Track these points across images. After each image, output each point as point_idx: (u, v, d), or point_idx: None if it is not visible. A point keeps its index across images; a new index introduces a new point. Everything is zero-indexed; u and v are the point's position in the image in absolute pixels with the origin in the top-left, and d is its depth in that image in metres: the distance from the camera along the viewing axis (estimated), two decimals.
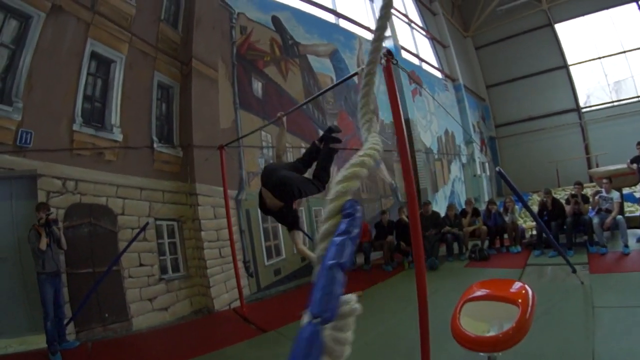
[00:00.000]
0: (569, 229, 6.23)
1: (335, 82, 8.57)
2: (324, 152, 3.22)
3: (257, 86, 6.87)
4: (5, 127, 4.41)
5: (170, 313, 5.36)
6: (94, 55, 5.12)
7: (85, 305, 4.67)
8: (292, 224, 2.96)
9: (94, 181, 5.01)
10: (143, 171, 5.40)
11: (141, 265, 5.25)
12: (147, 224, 5.10)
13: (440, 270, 6.53)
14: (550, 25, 16.65)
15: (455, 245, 7.14)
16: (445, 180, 12.54)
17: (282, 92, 7.30)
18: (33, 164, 4.61)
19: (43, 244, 4.15)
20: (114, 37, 5.28)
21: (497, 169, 4.46)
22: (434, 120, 12.60)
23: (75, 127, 4.95)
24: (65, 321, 4.47)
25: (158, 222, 5.47)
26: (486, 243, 7.19)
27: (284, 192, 2.78)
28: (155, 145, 5.52)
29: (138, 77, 5.48)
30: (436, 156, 12.26)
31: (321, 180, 3.08)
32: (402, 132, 2.99)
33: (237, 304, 5.61)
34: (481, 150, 16.11)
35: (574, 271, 4.82)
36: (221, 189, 5.50)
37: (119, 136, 5.27)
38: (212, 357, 4.00)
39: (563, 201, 6.79)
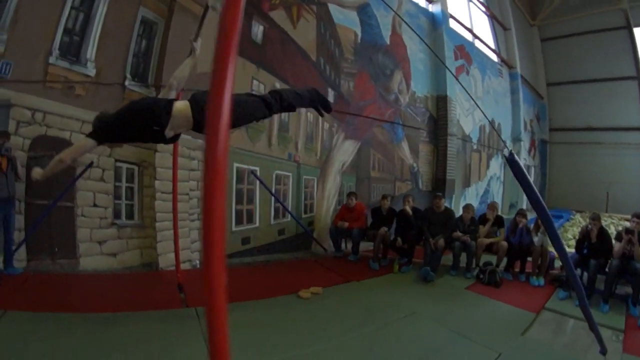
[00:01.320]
0: (611, 274, 4.52)
1: (360, 38, 7.34)
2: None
3: (257, 30, 6.10)
4: None
5: (118, 260, 5.14)
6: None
7: (38, 237, 4.76)
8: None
9: (61, 115, 4.95)
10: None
11: (95, 205, 5.11)
12: (92, 163, 4.91)
13: (435, 285, 5.18)
14: (627, 28, 13.95)
15: (464, 257, 5.65)
16: (480, 176, 10.80)
17: (287, 40, 6.47)
18: (8, 93, 4.74)
19: None
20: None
21: (505, 152, 3.05)
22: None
23: (51, 60, 4.91)
24: (14, 247, 4.55)
25: (118, 164, 5.23)
26: (503, 263, 5.60)
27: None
28: (127, 82, 5.26)
29: (121, 12, 5.23)
30: (474, 146, 10.46)
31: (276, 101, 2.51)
32: None
33: (185, 266, 5.16)
34: (529, 152, 14.10)
35: (603, 352, 3.21)
36: (187, 136, 4.90)
37: (92, 71, 5.12)
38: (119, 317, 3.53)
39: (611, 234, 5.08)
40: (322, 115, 2.88)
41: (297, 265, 5.83)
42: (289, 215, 6.47)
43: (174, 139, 2.49)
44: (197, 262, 5.46)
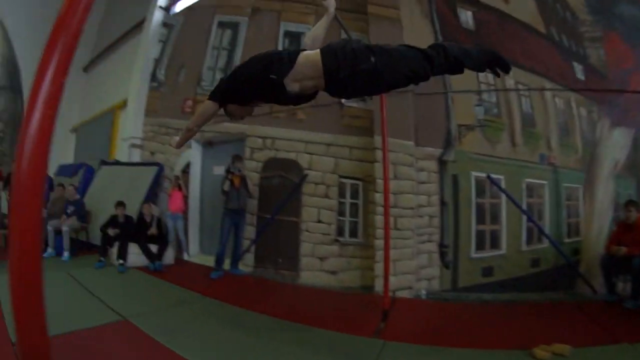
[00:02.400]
0: None
1: None
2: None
3: (467, 16, 5.20)
4: None
5: (337, 279, 4.98)
6: (286, 34, 5.88)
7: (265, 247, 5.45)
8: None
9: (287, 138, 5.57)
10: (331, 127, 5.36)
11: (319, 221, 5.24)
12: (305, 176, 5.03)
13: None
14: None
15: None
16: None
17: (503, 18, 5.15)
18: (242, 127, 5.80)
19: (226, 186, 5.24)
20: (301, 13, 5.79)
21: None
22: None
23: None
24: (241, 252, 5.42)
25: (342, 180, 5.22)
26: None
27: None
28: (343, 100, 5.28)
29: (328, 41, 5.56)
30: None
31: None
32: None
33: (404, 293, 4.47)
34: None
35: None
36: (408, 142, 4.73)
37: None
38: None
39: None
40: (498, 76, 1.99)
41: (548, 310, 4.10)
42: (546, 240, 4.74)
43: (304, 99, 1.97)
44: (423, 292, 4.65)
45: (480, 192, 4.84)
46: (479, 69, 1.96)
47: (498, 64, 1.92)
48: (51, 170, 8.62)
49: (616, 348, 3.02)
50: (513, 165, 4.96)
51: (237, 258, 5.45)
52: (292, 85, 1.83)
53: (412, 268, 4.65)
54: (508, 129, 5.04)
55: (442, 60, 1.82)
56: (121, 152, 8.29)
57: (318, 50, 1.85)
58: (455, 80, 4.87)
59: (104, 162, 8.33)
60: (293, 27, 5.91)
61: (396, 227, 4.59)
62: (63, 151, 10.45)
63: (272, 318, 3.56)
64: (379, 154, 4.67)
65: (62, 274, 4.71)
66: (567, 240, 4.88)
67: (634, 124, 5.07)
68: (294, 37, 5.91)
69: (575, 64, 5.14)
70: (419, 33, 5.08)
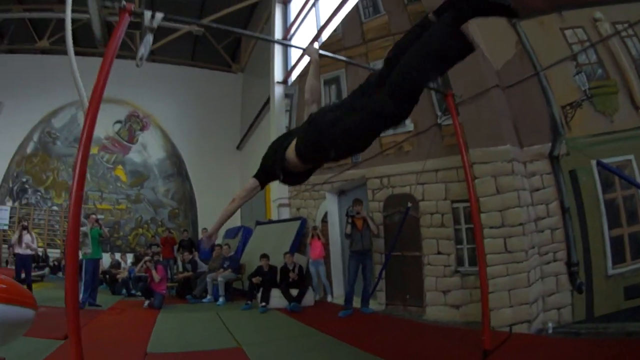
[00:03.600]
0: None
1: None
2: (432, 37, 1.78)
3: None
4: None
5: (460, 313, 4.51)
6: None
7: (394, 285, 5.44)
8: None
9: (399, 173, 5.61)
10: (435, 152, 5.14)
11: (439, 253, 4.96)
12: (409, 207, 4.93)
13: None
14: None
15: None
16: None
17: None
18: (362, 172, 6.18)
19: (348, 229, 5.60)
20: (383, 48, 6.03)
21: None
22: None
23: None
24: (370, 291, 5.50)
25: (455, 205, 4.88)
26: None
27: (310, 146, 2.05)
28: (438, 120, 5.11)
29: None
30: None
31: (396, 103, 1.79)
32: None
33: (523, 328, 3.74)
34: None
35: None
36: (504, 147, 4.13)
37: (410, 126, 5.49)
38: None
39: None
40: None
41: None
42: None
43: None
44: (550, 325, 3.78)
45: (608, 185, 3.68)
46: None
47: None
48: (221, 234, 10.51)
49: None
50: None
51: (367, 297, 5.55)
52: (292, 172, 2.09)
53: (530, 297, 3.84)
54: (623, 89, 3.74)
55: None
56: (273, 211, 9.65)
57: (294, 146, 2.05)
58: (542, 56, 4.11)
59: (258, 222, 9.78)
60: (380, 63, 6.12)
61: (507, 250, 3.96)
62: (232, 218, 12.62)
63: (364, 352, 3.53)
64: (478, 169, 4.24)
65: (212, 314, 5.81)
66: None
67: None
68: None
69: None
70: (489, 19, 4.55)
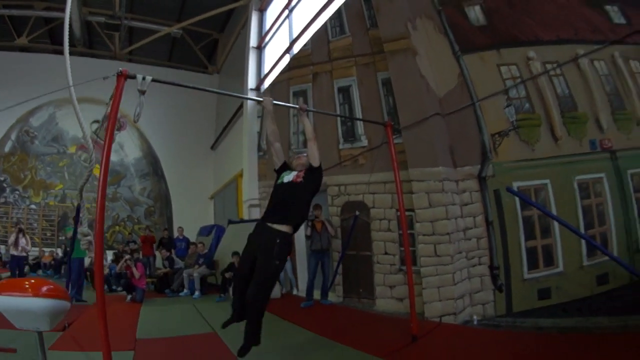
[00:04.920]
0: None
1: None
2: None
3: (475, 12, 4.97)
4: None
5: (404, 305, 5.33)
6: (339, 90, 6.78)
7: (350, 280, 6.26)
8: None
9: (354, 183, 6.36)
10: (384, 166, 5.85)
11: (386, 253, 5.77)
12: (357, 215, 5.83)
13: None
14: None
15: None
16: None
17: None
18: (323, 179, 6.73)
19: (308, 231, 6.29)
20: (345, 68, 6.65)
21: None
22: None
23: (340, 146, 6.61)
24: (329, 285, 6.28)
25: (399, 213, 5.68)
26: None
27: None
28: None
29: (368, 87, 6.31)
30: None
31: None
32: None
33: (450, 319, 4.56)
34: None
35: None
36: (437, 169, 4.92)
37: (364, 142, 6.29)
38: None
39: None
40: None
41: (621, 341, 3.35)
42: (615, 249, 3.91)
43: None
44: (475, 318, 4.64)
45: (525, 204, 4.40)
46: None
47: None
48: (195, 232, 11.10)
49: None
50: (558, 164, 4.29)
51: (326, 290, 6.29)
52: None
53: (455, 294, 4.65)
54: (546, 122, 4.36)
55: None
56: (245, 211, 10.31)
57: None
58: (479, 88, 4.84)
59: (230, 221, 10.38)
60: (342, 83, 6.82)
61: (436, 254, 4.78)
62: (205, 215, 13.21)
63: (314, 334, 4.36)
64: (415, 185, 5.06)
65: (189, 305, 6.57)
66: None
67: None
68: (345, 91, 6.79)
69: (609, 7, 3.96)
70: (436, 50, 5.25)
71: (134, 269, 6.94)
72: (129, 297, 7.04)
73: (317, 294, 6.35)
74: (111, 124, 2.57)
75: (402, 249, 5.50)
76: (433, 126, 5.07)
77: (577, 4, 4.20)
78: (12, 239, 6.62)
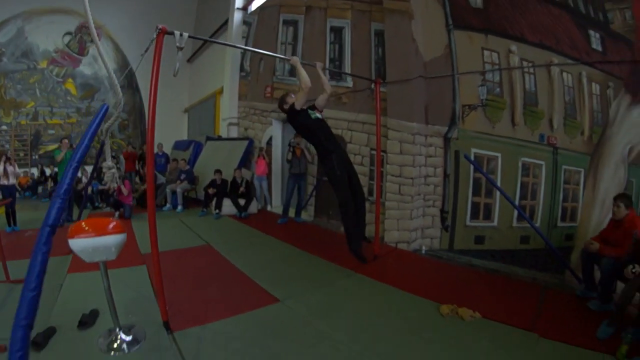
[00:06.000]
0: None
1: None
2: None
3: None
4: None
5: (368, 230, 6.25)
6: (332, 29, 7.00)
7: (322, 203, 7.12)
8: None
9: (336, 118, 6.88)
10: (365, 109, 6.48)
11: None
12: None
13: None
14: None
15: None
16: None
17: None
18: None
19: (289, 156, 6.97)
20: (341, 9, 6.81)
21: None
22: None
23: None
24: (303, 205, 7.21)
25: (372, 152, 6.47)
26: None
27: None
28: (372, 86, 6.41)
29: (360, 33, 6.62)
30: None
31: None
32: None
33: (404, 246, 5.60)
34: None
35: None
36: (411, 124, 5.63)
37: (350, 83, 6.79)
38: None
39: None
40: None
41: (513, 286, 4.21)
42: (539, 219, 4.92)
43: None
44: (424, 248, 5.65)
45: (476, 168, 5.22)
46: None
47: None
48: (170, 145, 11.37)
49: (519, 333, 3.02)
50: (511, 144, 5.08)
51: (299, 209, 7.20)
52: None
53: (411, 227, 5.58)
54: (509, 108, 5.13)
55: None
56: (222, 129, 10.63)
57: None
58: (462, 63, 5.42)
59: (209, 138, 10.75)
60: (336, 23, 7.04)
61: (400, 193, 5.67)
62: (179, 129, 13.35)
63: (296, 248, 5.24)
64: (391, 133, 5.74)
65: (176, 220, 7.20)
66: (561, 224, 4.79)
67: None
68: (338, 32, 7.04)
69: (592, 32, 4.57)
70: (431, 18, 5.61)
71: (122, 187, 7.23)
72: (116, 213, 7.35)
73: (291, 212, 7.24)
74: (154, 85, 2.94)
75: (372, 182, 6.44)
76: (415, 86, 5.64)
77: (568, 21, 4.71)
78: (0, 168, 6.34)
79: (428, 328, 3.09)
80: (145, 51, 2.92)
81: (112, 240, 2.47)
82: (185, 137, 13.09)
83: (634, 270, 3.02)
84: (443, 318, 3.27)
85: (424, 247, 5.71)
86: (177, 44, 3.00)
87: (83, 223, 2.51)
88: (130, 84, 13.69)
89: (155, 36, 2.90)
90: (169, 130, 12.48)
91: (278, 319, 3.16)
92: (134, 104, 13.87)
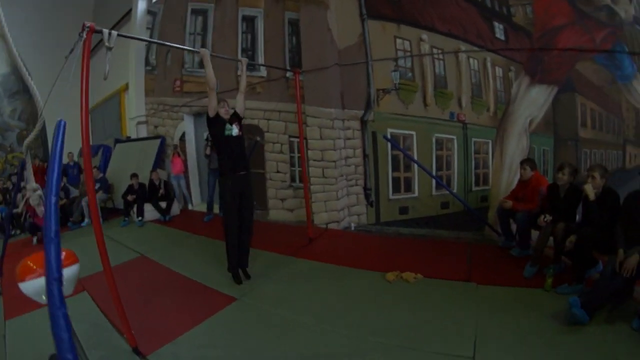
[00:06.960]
0: None
1: None
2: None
3: None
4: None
5: (294, 215, 6.54)
6: (244, 18, 6.92)
7: None
8: None
9: (251, 108, 6.77)
10: (280, 97, 6.58)
11: (278, 172, 6.73)
12: (257, 141, 6.57)
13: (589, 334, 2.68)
14: None
15: None
16: None
17: None
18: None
19: (207, 151, 6.73)
20: None
21: None
22: None
23: (239, 72, 6.94)
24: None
25: (291, 139, 6.59)
26: None
27: None
28: (287, 74, 6.48)
29: (273, 22, 6.66)
30: None
31: None
32: None
33: (334, 225, 5.88)
34: None
35: None
36: (329, 110, 5.84)
37: (264, 73, 6.80)
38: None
39: None
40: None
41: (443, 246, 4.83)
42: (456, 187, 5.59)
43: None
44: (353, 225, 5.99)
45: (394, 147, 5.77)
46: None
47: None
48: (76, 151, 10.34)
49: (459, 285, 3.48)
50: (424, 123, 5.65)
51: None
52: None
53: (338, 207, 5.91)
54: (421, 90, 5.69)
55: None
56: (131, 129, 9.90)
57: None
58: (376, 51, 5.76)
59: (117, 140, 10.00)
60: (248, 12, 6.96)
61: (324, 176, 5.91)
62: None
63: None
64: (310, 120, 5.91)
65: None
66: (475, 188, 5.50)
67: (555, 82, 5.01)
68: (250, 21, 6.97)
69: (496, 24, 5.26)
70: (346, 8, 5.87)
71: (36, 207, 6.43)
72: (35, 238, 6.55)
73: (215, 208, 7.07)
74: (85, 88, 2.73)
75: (293, 168, 6.59)
76: (331, 74, 5.87)
77: (474, 13, 5.34)
78: None
79: (381, 294, 3.44)
80: (71, 52, 2.62)
81: (67, 274, 2.15)
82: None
83: (545, 219, 3.73)
84: (391, 284, 3.65)
85: (353, 224, 6.04)
86: (107, 44, 2.75)
87: (29, 261, 2.19)
88: (26, 87, 11.90)
89: (85, 35, 2.59)
90: (71, 136, 11.35)
91: (243, 317, 3.20)
92: (32, 110, 12.15)
